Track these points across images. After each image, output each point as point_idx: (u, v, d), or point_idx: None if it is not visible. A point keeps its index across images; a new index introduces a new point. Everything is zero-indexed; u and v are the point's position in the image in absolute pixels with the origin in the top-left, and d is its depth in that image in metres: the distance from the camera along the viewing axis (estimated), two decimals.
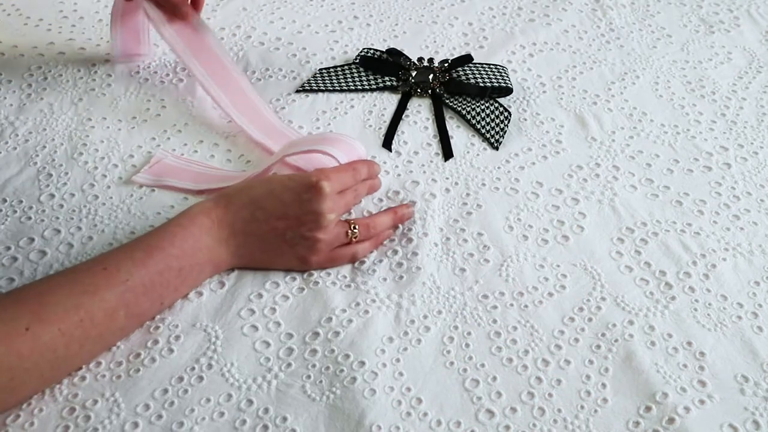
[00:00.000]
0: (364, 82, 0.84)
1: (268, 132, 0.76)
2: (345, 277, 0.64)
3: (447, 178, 0.73)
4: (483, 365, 0.58)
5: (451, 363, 0.58)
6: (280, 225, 0.62)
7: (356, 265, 0.65)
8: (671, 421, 0.54)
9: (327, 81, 0.84)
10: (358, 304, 0.62)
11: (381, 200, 0.71)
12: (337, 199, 0.63)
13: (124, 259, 0.57)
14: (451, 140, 0.77)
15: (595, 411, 0.55)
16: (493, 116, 0.79)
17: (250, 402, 0.55)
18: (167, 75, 0.84)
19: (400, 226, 0.68)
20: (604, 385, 0.57)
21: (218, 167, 0.74)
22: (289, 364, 0.58)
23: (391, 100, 0.82)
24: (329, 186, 0.62)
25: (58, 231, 0.67)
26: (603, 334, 0.60)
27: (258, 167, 0.74)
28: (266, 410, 0.55)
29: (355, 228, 0.64)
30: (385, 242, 0.67)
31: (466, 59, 0.86)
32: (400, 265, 0.65)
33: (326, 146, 0.68)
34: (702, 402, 0.56)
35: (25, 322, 0.51)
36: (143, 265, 0.57)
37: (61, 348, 0.53)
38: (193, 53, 0.79)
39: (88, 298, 0.54)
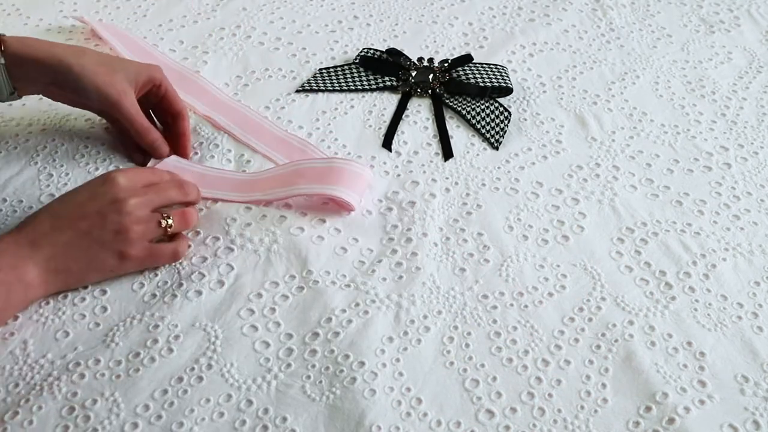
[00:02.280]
0: (364, 82, 0.84)
1: (270, 143, 0.77)
2: (344, 276, 0.64)
3: (447, 178, 0.73)
4: (483, 365, 0.58)
5: (451, 363, 0.58)
6: (83, 225, 0.59)
7: (356, 264, 0.65)
8: (671, 421, 0.54)
9: (327, 81, 0.84)
10: (357, 304, 0.62)
11: (381, 201, 0.71)
12: (140, 191, 0.61)
13: None
14: (451, 140, 0.77)
15: (595, 411, 0.55)
16: (493, 116, 0.79)
17: (250, 402, 0.55)
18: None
19: (400, 225, 0.68)
20: (604, 385, 0.57)
21: (218, 167, 0.74)
22: (289, 365, 0.58)
23: (391, 100, 0.82)
24: (123, 176, 0.61)
25: None
26: (603, 334, 0.60)
27: (259, 167, 0.74)
28: (266, 410, 0.55)
29: (168, 217, 0.62)
30: (383, 241, 0.67)
31: (466, 59, 0.86)
32: (399, 265, 0.65)
33: (332, 185, 0.68)
34: (702, 402, 0.56)
35: None
36: None
37: None
38: (181, 88, 0.80)
39: None
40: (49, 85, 0.70)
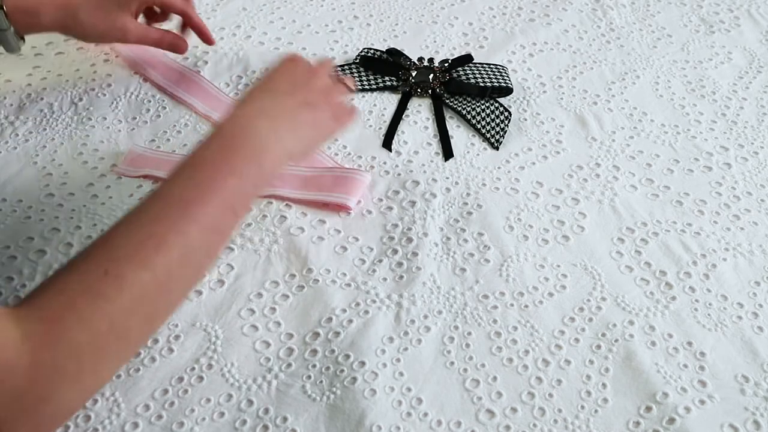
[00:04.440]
0: (364, 82, 0.84)
1: None
2: (345, 275, 0.64)
3: (447, 178, 0.73)
4: (483, 365, 0.58)
5: (452, 363, 0.58)
6: (297, 98, 0.63)
7: (356, 263, 0.65)
8: (671, 421, 0.54)
9: None
10: (358, 304, 0.62)
11: (381, 200, 0.71)
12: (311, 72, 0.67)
13: (168, 180, 0.55)
14: (451, 140, 0.77)
15: (596, 411, 0.55)
16: (493, 116, 0.79)
17: (250, 402, 0.55)
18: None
19: (400, 225, 0.68)
20: (604, 385, 0.57)
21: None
22: (289, 365, 0.58)
23: (391, 100, 0.82)
24: (293, 65, 0.67)
25: (58, 230, 0.67)
26: (603, 334, 0.60)
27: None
28: (266, 410, 0.55)
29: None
30: (383, 241, 0.67)
31: (466, 59, 0.86)
32: (400, 264, 0.65)
33: (327, 192, 0.70)
34: (702, 402, 0.56)
35: (103, 267, 0.49)
36: (189, 178, 0.55)
37: (149, 282, 0.50)
38: (182, 88, 0.83)
39: (155, 225, 0.52)
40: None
